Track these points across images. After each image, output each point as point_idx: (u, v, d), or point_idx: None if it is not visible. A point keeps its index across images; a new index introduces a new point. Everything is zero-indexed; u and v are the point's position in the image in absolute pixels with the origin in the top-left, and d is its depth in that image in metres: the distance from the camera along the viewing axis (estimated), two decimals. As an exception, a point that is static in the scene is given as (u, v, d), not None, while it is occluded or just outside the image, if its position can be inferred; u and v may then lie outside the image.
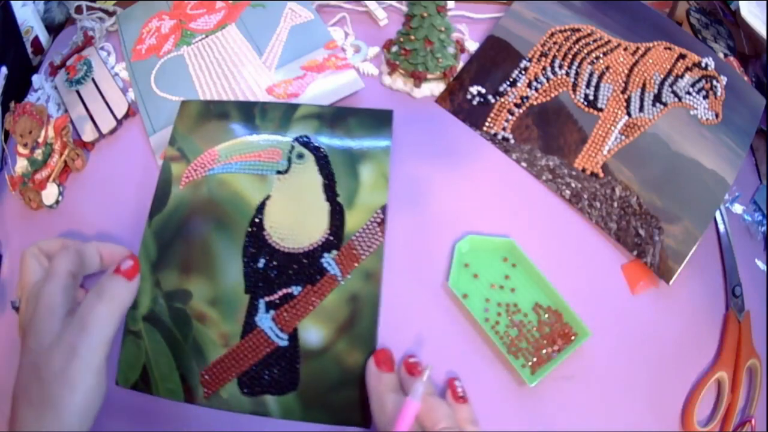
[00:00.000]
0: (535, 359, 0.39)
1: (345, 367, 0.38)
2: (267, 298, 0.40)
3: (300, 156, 0.43)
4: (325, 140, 0.44)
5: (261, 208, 0.42)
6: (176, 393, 0.38)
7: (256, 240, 0.41)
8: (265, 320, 0.39)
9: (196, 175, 0.44)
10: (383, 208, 0.42)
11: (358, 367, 0.38)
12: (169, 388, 0.38)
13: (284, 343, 0.39)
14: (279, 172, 0.43)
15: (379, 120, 0.45)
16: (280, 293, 0.40)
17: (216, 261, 0.41)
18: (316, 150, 0.44)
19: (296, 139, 0.44)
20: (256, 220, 0.42)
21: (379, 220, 0.41)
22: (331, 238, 0.41)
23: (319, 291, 0.40)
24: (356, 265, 0.40)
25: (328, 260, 0.40)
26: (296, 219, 0.42)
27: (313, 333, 0.39)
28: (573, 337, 0.39)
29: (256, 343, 0.39)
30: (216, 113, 0.47)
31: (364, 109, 0.46)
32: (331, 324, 0.39)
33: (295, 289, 0.40)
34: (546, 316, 0.40)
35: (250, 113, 0.46)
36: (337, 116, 0.45)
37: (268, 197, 0.42)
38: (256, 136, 0.45)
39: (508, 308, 0.40)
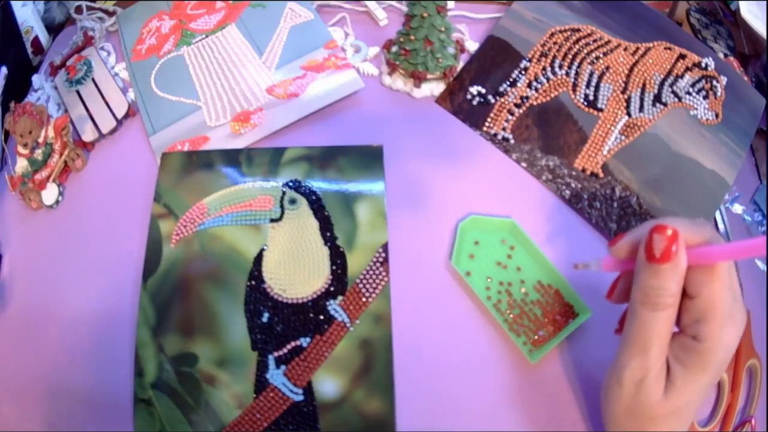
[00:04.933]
0: (536, 337, 0.39)
1: (365, 416, 0.36)
2: (276, 353, 0.38)
3: (292, 201, 0.42)
4: (316, 183, 0.43)
5: (258, 260, 0.41)
6: None
7: (256, 294, 0.40)
8: (277, 376, 0.38)
9: (186, 232, 0.42)
10: (384, 246, 0.41)
11: (379, 415, 0.36)
12: None
13: (299, 398, 0.37)
14: (272, 220, 0.42)
15: (370, 157, 0.44)
16: (289, 347, 0.38)
17: (218, 320, 0.39)
18: (308, 193, 0.43)
19: (286, 184, 0.43)
20: (255, 273, 0.40)
21: (381, 259, 0.40)
22: (335, 283, 0.40)
23: (329, 340, 0.38)
24: (364, 309, 0.39)
25: (335, 307, 0.39)
26: (296, 267, 0.40)
27: (328, 384, 0.37)
28: (574, 316, 0.39)
29: (270, 401, 0.37)
30: (200, 164, 0.45)
31: (353, 147, 0.45)
32: (345, 373, 0.37)
33: (303, 341, 0.38)
34: (547, 294, 0.40)
35: (235, 161, 0.45)
36: (327, 157, 0.44)
37: (264, 248, 0.41)
38: (245, 184, 0.43)
39: (509, 286, 0.40)
